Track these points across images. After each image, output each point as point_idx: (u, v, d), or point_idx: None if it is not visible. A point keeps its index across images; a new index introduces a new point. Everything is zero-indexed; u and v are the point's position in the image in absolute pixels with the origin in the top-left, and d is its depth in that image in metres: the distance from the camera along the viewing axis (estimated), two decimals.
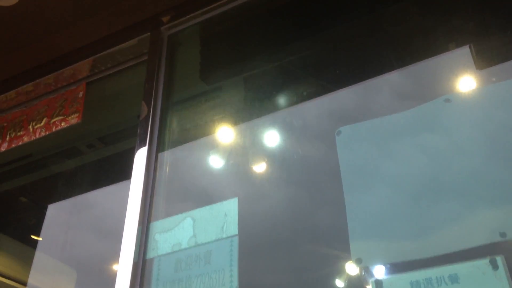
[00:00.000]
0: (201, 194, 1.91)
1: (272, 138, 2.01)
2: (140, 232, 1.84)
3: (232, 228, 1.72)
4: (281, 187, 1.78)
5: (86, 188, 2.98)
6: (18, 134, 2.49)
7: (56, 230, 3.04)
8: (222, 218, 1.76)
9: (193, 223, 1.81)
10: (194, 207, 1.85)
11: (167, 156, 2.12)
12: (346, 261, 1.51)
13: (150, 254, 1.81)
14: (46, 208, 2.99)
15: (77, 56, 2.50)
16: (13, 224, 3.16)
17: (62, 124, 2.42)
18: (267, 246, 1.67)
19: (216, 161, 2.06)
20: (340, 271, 1.52)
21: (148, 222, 1.88)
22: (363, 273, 1.47)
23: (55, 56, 2.54)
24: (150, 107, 2.24)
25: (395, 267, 1.44)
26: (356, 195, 1.61)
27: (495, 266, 1.31)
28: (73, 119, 2.41)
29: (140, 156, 2.03)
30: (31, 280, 2.81)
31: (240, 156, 1.99)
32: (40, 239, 3.01)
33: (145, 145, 2.07)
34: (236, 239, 1.69)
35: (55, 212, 3.02)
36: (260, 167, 1.87)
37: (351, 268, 1.49)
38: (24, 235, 3.10)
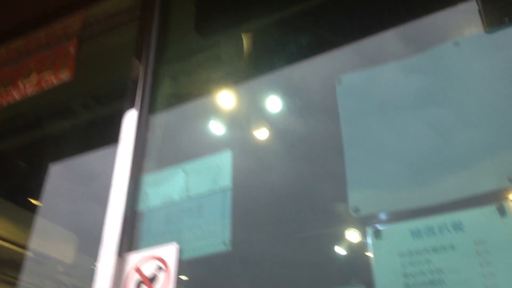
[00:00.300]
0: (194, 151, 1.83)
1: (270, 93, 1.92)
2: (131, 185, 1.77)
3: (226, 180, 1.64)
4: (278, 141, 1.70)
5: (82, 150, 2.92)
6: (8, 89, 2.41)
7: (52, 194, 2.99)
8: (215, 170, 1.68)
9: (185, 176, 1.73)
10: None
11: (159, 118, 2.03)
12: (344, 212, 1.43)
13: (141, 207, 1.74)
14: (44, 171, 2.93)
15: (67, 9, 2.40)
16: (6, 187, 3.11)
17: (53, 80, 2.34)
18: (262, 200, 1.59)
19: (211, 123, 1.97)
20: (337, 223, 1.44)
21: (139, 176, 1.80)
22: (361, 223, 1.39)
23: (45, 10, 2.44)
24: (142, 65, 2.15)
25: (395, 216, 1.36)
26: (356, 143, 1.53)
27: (502, 213, 1.23)
28: (64, 76, 2.32)
29: (130, 117, 1.94)
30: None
31: (237, 118, 1.90)
32: (34, 201, 2.96)
33: (135, 106, 1.97)
34: (229, 192, 1.62)
35: (52, 175, 2.97)
36: (256, 122, 1.78)
37: (349, 218, 1.42)
38: (17, 198, 3.05)
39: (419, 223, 1.31)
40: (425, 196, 1.36)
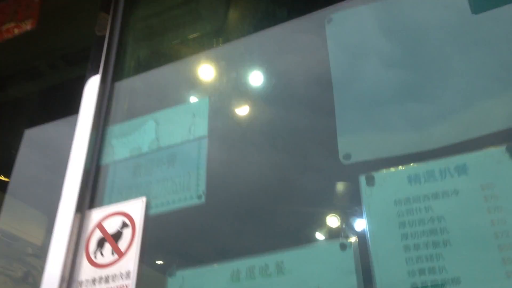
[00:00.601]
0: (167, 99, 1.65)
1: (253, 56, 1.74)
2: (93, 137, 1.58)
3: (201, 129, 1.47)
4: (261, 86, 1.53)
5: (49, 117, 2.71)
6: None
7: (18, 167, 2.77)
8: (190, 119, 1.51)
9: (156, 125, 1.56)
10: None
11: (125, 82, 1.82)
12: (334, 159, 1.27)
13: (105, 160, 1.56)
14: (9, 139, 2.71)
15: None
16: None
17: (15, 30, 2.13)
18: (242, 148, 1.43)
19: (186, 85, 1.79)
20: (324, 170, 1.29)
21: (104, 127, 1.62)
22: (352, 171, 1.23)
23: None
24: (110, 18, 1.96)
25: (390, 162, 1.21)
26: (345, 86, 1.37)
27: None
28: (27, 25, 2.12)
29: (92, 83, 1.72)
30: None
31: (215, 81, 1.72)
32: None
33: (99, 70, 1.76)
34: (205, 141, 1.45)
35: (21, 144, 2.75)
36: (236, 70, 1.60)
37: (338, 167, 1.26)
38: None
39: (418, 168, 1.16)
40: (424, 140, 1.21)
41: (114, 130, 1.60)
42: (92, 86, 1.68)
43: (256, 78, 1.53)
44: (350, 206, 1.19)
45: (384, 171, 1.19)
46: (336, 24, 1.48)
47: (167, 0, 2.24)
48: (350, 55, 1.41)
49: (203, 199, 1.35)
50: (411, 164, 1.17)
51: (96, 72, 1.74)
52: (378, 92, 1.32)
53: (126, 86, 1.72)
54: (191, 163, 1.42)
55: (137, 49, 2.06)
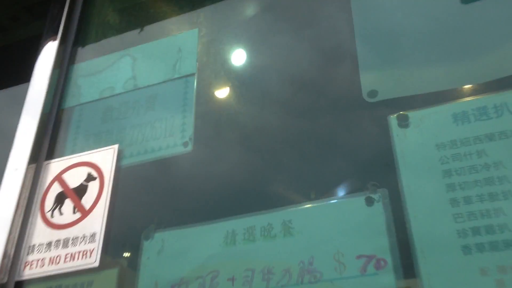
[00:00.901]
0: (146, 33, 1.37)
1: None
2: (55, 77, 1.30)
3: (189, 65, 1.21)
4: (264, 14, 1.26)
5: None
6: None
7: None
8: (175, 55, 1.24)
9: (133, 62, 1.28)
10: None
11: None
12: (356, 97, 1.02)
13: (69, 102, 1.28)
14: None
15: None
16: None
17: None
18: (240, 87, 1.16)
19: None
20: (345, 110, 1.03)
21: (69, 65, 1.33)
22: (379, 111, 0.99)
23: None
24: None
25: (426, 100, 0.96)
26: (368, 17, 1.12)
27: None
28: None
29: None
30: None
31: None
32: None
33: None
34: (193, 79, 1.18)
35: None
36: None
37: (361, 106, 1.01)
38: None
39: (466, 105, 0.92)
40: (467, 73, 0.97)
41: (81, 68, 1.32)
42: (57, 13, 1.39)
43: (258, 4, 1.26)
44: (377, 153, 0.95)
45: (420, 109, 0.95)
46: None
47: None
48: None
49: (189, 147, 1.09)
50: (456, 100, 0.94)
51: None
52: (406, 23, 1.07)
53: (98, 18, 1.43)
54: (176, 105, 1.15)
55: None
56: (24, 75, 2.37)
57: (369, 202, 0.91)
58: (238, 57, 1.21)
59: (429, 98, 0.96)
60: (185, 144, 1.09)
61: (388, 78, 1.02)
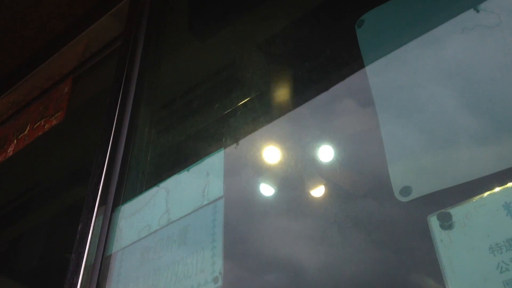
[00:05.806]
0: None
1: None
2: (100, 221, 1.31)
3: (216, 189, 1.14)
4: (285, 118, 1.18)
5: None
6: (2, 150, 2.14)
7: None
8: (204, 180, 1.19)
9: (167, 195, 1.25)
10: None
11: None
12: (387, 196, 0.86)
13: (112, 249, 1.27)
14: None
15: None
16: None
17: (45, 125, 2.02)
18: (267, 206, 1.06)
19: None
20: (374, 213, 0.87)
21: (113, 208, 1.34)
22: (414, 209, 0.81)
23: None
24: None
25: (470, 190, 0.77)
26: (389, 98, 0.98)
27: None
28: (56, 118, 2.00)
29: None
30: None
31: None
32: None
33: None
34: (221, 202, 1.11)
35: None
36: (254, 100, 1.29)
37: (393, 206, 0.84)
38: None
39: None
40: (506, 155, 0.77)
41: (123, 210, 1.32)
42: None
43: (277, 121, 1.19)
44: (419, 263, 0.76)
45: (464, 203, 0.77)
46: (368, 25, 1.12)
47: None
48: (386, 57, 1.04)
49: (219, 282, 0.99)
50: (507, 184, 0.74)
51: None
52: (433, 108, 0.91)
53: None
54: (205, 234, 1.08)
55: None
56: None
57: None
58: (265, 171, 1.12)
59: (472, 188, 0.77)
60: (215, 280, 1.00)
61: (420, 174, 0.85)
